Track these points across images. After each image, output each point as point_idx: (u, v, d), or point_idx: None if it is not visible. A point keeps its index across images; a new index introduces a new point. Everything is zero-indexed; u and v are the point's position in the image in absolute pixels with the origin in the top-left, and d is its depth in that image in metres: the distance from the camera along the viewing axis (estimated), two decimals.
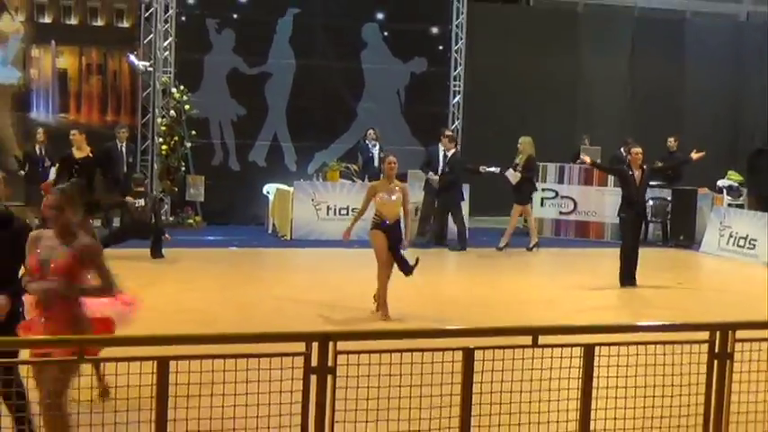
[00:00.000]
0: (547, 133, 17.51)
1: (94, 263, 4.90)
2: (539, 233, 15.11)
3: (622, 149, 15.82)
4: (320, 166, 16.06)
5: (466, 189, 14.64)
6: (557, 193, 16.48)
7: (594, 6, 21.03)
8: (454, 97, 17.52)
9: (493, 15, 19.47)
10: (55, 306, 4.73)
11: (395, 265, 8.74)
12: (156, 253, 12.13)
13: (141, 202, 12.50)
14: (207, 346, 4.08)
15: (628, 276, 11.73)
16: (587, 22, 20.55)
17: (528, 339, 4.39)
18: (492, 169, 14.68)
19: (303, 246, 14.21)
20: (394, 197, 8.63)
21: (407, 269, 8.63)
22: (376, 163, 14.99)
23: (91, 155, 12.96)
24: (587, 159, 13.32)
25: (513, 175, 14.02)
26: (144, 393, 3.91)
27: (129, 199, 12.36)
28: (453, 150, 14.35)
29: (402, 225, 8.88)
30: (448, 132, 14.79)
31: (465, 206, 14.42)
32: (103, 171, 13.55)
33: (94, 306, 5.31)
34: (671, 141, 17.12)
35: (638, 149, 11.93)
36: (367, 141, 15.47)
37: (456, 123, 17.20)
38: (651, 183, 14.61)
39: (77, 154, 12.66)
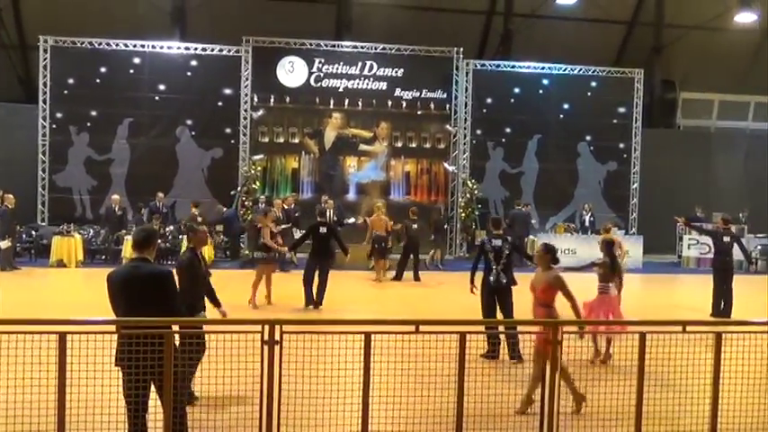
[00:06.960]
0: (683, 205, 22.16)
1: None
2: (687, 264, 21.82)
3: (741, 215, 21.89)
4: (552, 225, 23.40)
5: None
6: (698, 241, 21.90)
7: (722, 129, 26.44)
8: (633, 184, 24.25)
9: (657, 135, 25.34)
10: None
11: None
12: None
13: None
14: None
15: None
16: (717, 139, 26.10)
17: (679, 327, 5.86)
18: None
19: None
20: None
21: None
22: (587, 224, 22.26)
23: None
24: (680, 220, 15.68)
25: None
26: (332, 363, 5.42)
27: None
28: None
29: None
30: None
31: None
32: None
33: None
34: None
35: (725, 216, 14.16)
36: (583, 212, 22.67)
37: (634, 200, 24.22)
38: (759, 234, 20.83)
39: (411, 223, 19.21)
